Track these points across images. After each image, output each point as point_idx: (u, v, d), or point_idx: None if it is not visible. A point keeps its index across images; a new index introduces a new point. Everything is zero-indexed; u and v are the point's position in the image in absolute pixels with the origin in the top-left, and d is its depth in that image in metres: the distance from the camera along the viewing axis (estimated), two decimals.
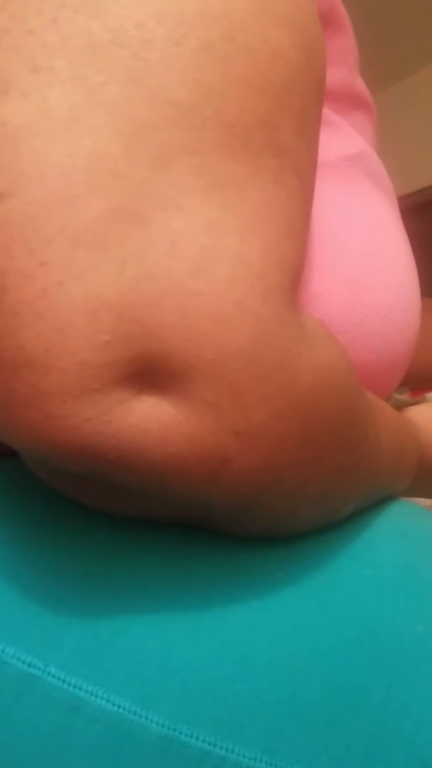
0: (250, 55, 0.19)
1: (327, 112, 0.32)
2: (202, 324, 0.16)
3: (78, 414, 0.15)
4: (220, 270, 0.17)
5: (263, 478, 0.18)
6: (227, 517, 0.19)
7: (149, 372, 0.16)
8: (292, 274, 0.19)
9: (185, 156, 0.17)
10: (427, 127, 3.29)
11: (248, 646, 0.19)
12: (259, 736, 0.18)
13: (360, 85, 0.36)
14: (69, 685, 0.18)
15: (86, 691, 0.18)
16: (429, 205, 3.56)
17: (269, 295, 0.17)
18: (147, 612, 0.19)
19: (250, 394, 0.17)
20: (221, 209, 0.17)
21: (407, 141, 3.50)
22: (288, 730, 0.18)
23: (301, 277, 0.26)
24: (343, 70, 0.34)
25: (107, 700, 0.18)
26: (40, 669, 0.18)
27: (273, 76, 0.19)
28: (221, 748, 0.18)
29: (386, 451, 0.25)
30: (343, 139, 0.33)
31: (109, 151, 0.16)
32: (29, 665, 0.18)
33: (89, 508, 0.21)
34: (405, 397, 1.25)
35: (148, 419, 0.16)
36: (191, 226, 0.17)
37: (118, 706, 0.18)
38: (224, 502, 0.18)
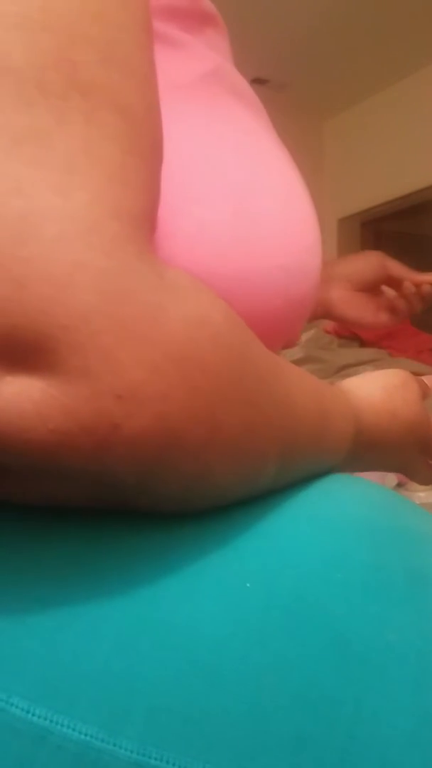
0: None
1: (174, 32, 0.30)
2: (43, 290, 0.15)
3: None
4: (46, 231, 0.15)
5: (160, 439, 0.16)
6: (137, 487, 0.18)
7: (8, 350, 0.15)
8: (135, 219, 0.17)
9: None
10: (427, 127, 3.29)
11: (215, 662, 0.18)
12: (229, 755, 0.17)
13: (205, 1, 0.33)
14: (33, 715, 0.17)
15: (51, 721, 0.17)
16: (428, 205, 3.55)
17: (109, 248, 0.16)
18: (109, 633, 0.18)
19: (119, 353, 0.16)
20: (31, 165, 0.16)
21: (407, 141, 3.49)
22: (258, 747, 0.17)
23: (168, 211, 0.24)
24: None
25: (73, 729, 0.17)
26: (3, 700, 0.17)
27: (56, 7, 0.18)
28: None
29: (302, 409, 0.24)
30: (196, 58, 0.30)
31: None
32: None
33: (33, 523, 0.20)
34: None
35: (20, 399, 0.15)
36: (2, 188, 0.15)
37: (85, 734, 0.17)
38: (125, 469, 0.17)
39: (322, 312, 0.62)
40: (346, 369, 1.74)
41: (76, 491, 0.18)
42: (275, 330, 0.28)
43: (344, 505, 0.24)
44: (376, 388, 0.33)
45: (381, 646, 0.19)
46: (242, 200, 0.27)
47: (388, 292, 0.63)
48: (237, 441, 0.19)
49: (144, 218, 0.18)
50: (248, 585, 0.19)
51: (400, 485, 0.95)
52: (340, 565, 0.21)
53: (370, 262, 0.61)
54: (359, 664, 0.19)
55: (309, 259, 0.29)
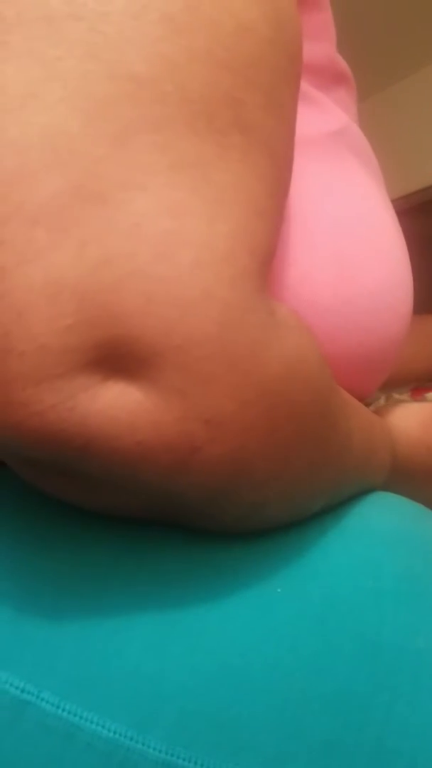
0: (214, 27, 0.18)
1: (308, 88, 0.31)
2: (167, 310, 0.16)
3: (40, 400, 0.15)
4: (185, 255, 0.16)
5: (232, 468, 0.17)
6: (197, 509, 0.19)
7: (115, 358, 0.16)
8: (262, 257, 0.18)
9: (146, 133, 0.16)
10: (427, 127, 3.28)
11: (246, 667, 0.18)
12: (258, 758, 0.17)
13: (341, 61, 0.34)
14: (63, 711, 0.17)
15: (81, 717, 0.17)
16: (429, 205, 3.54)
17: (237, 281, 0.17)
18: (141, 633, 0.18)
19: (218, 382, 0.16)
20: (186, 190, 0.17)
21: (407, 141, 3.48)
22: (287, 752, 0.17)
23: (276, 257, 0.25)
24: (324, 45, 0.33)
25: (102, 726, 0.17)
26: (33, 695, 0.17)
27: (239, 50, 0.18)
28: None
29: (357, 449, 0.25)
30: (326, 115, 0.31)
31: (66, 127, 0.16)
32: (23, 691, 0.17)
33: (75, 524, 0.20)
34: (405, 397, 1.25)
35: (115, 406, 0.16)
36: (154, 207, 0.16)
37: (114, 732, 0.17)
38: (194, 492, 0.17)
39: None
40: None
41: (135, 503, 0.19)
42: (363, 371, 0.29)
43: (375, 515, 0.24)
44: (414, 422, 0.34)
45: (411, 652, 0.19)
46: (347, 261, 0.27)
47: None
48: (299, 479, 0.19)
49: (269, 257, 0.19)
50: (279, 590, 0.20)
51: None
52: (371, 573, 0.21)
53: None
54: (390, 671, 0.19)
55: (401, 324, 0.30)
